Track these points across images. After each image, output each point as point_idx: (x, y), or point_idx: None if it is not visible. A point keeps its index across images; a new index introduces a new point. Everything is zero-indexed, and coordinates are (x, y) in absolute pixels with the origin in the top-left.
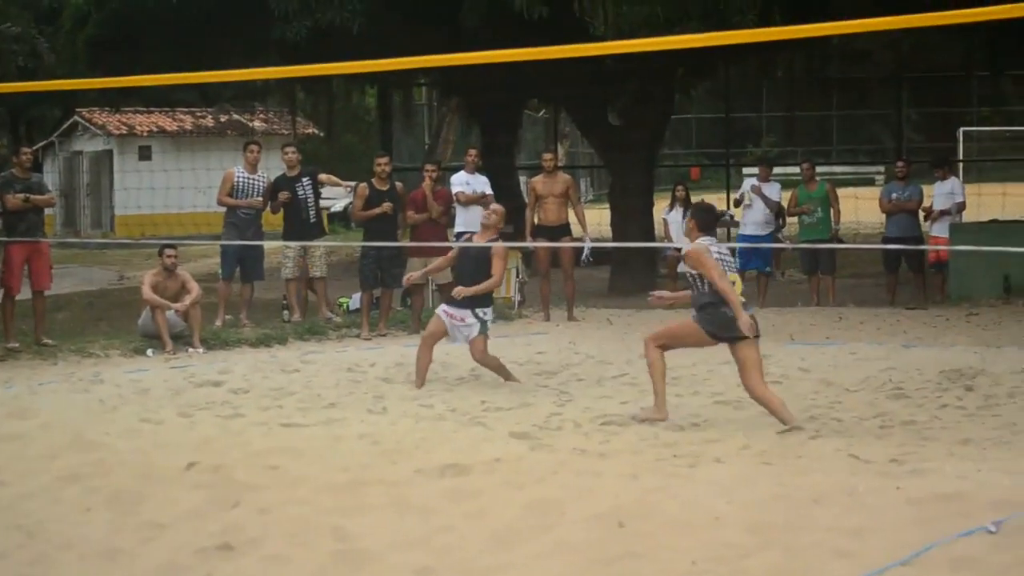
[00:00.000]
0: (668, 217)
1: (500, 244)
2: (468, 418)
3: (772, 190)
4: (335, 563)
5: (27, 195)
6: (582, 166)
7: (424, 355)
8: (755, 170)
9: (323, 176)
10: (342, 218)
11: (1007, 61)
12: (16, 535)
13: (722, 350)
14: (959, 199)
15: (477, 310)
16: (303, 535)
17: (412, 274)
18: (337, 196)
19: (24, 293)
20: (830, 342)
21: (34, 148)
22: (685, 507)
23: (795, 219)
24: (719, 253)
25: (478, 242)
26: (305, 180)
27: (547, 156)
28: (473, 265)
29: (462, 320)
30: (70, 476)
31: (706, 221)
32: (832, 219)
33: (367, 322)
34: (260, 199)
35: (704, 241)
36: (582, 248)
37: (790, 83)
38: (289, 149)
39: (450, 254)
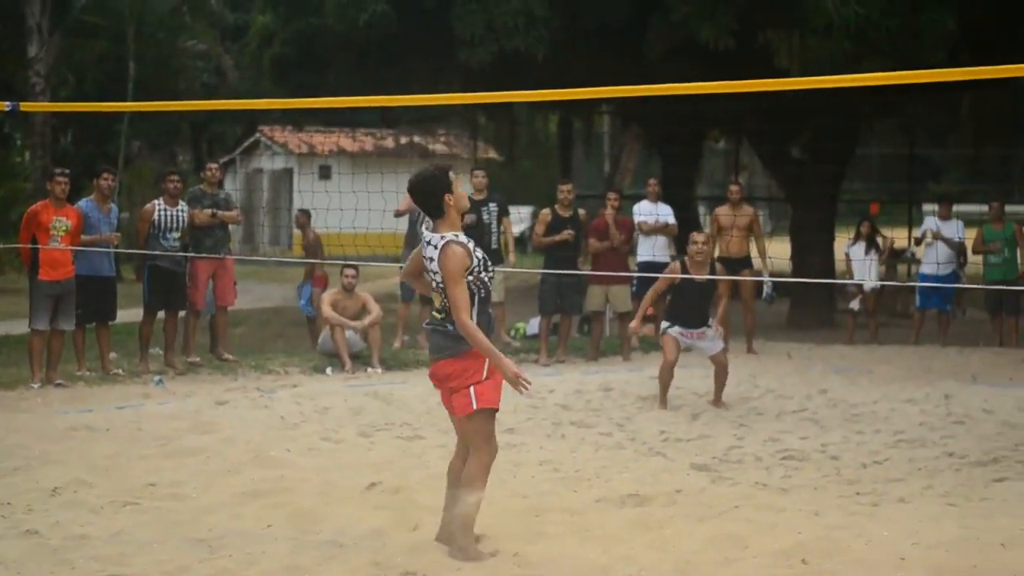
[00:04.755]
0: (850, 252)
1: (721, 267)
2: (647, 448)
3: (953, 228)
4: None
5: (215, 211)
6: (760, 198)
7: (667, 377)
8: (935, 207)
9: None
10: (519, 243)
11: None
12: (198, 549)
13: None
14: None
15: (710, 321)
16: (485, 561)
17: (636, 323)
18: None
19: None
20: (1014, 384)
21: (219, 164)
22: (869, 547)
23: (979, 258)
24: None
25: (695, 275)
26: (492, 205)
27: (734, 188)
28: (697, 297)
29: (701, 335)
30: (252, 492)
31: None
32: (1019, 259)
33: (545, 348)
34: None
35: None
36: (763, 282)
37: (976, 120)
38: (479, 172)
39: (659, 285)
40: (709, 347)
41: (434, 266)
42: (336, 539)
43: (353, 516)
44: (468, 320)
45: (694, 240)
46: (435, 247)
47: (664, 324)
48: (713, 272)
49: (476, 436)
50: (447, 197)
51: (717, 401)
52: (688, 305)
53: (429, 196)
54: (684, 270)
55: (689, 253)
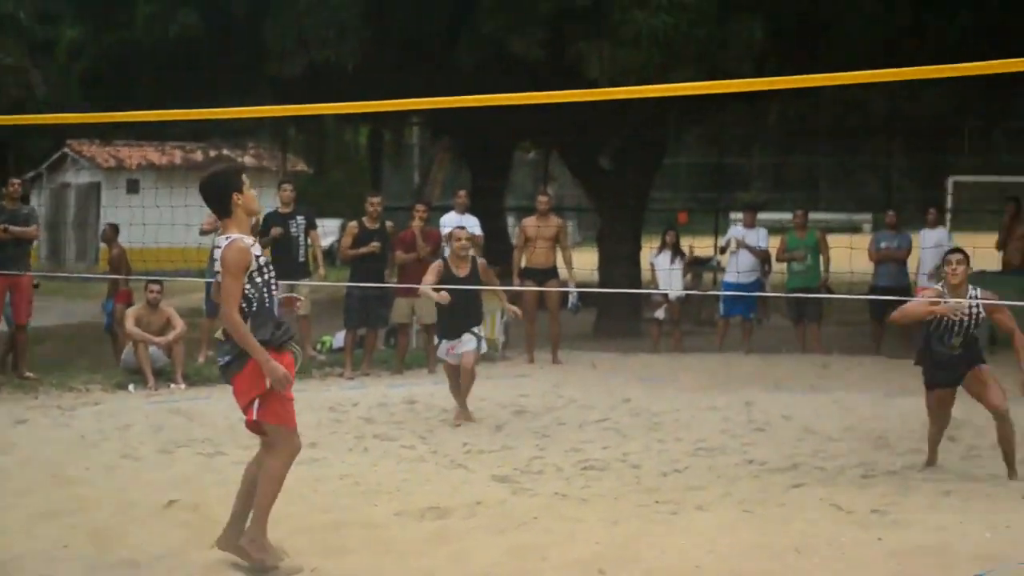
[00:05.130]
0: (656, 261)
1: (482, 261)
2: (449, 460)
3: (757, 236)
4: None
5: (6, 226)
6: (569, 208)
7: (457, 395)
8: (741, 215)
9: None
10: (327, 255)
11: (999, 112)
12: None
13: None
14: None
15: (473, 328)
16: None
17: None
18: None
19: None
20: (814, 390)
21: (23, 179)
22: (666, 555)
23: (783, 265)
24: None
25: (459, 274)
26: (299, 218)
27: (543, 198)
28: (464, 297)
29: (460, 342)
30: (48, 512)
31: None
32: (822, 267)
33: (350, 361)
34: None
35: None
36: (568, 292)
37: (782, 130)
38: (287, 186)
39: (428, 277)
40: (462, 350)
41: (218, 265)
42: (133, 558)
43: (151, 534)
44: (235, 314)
45: (456, 237)
46: (219, 248)
47: (436, 343)
48: (474, 270)
49: (275, 437)
50: (235, 196)
51: (462, 410)
52: (450, 309)
53: (217, 195)
54: (446, 267)
55: (452, 249)
